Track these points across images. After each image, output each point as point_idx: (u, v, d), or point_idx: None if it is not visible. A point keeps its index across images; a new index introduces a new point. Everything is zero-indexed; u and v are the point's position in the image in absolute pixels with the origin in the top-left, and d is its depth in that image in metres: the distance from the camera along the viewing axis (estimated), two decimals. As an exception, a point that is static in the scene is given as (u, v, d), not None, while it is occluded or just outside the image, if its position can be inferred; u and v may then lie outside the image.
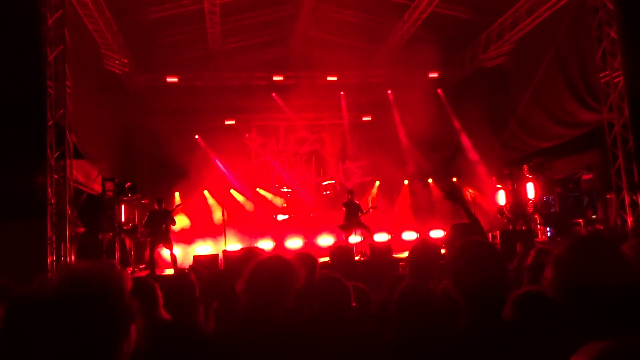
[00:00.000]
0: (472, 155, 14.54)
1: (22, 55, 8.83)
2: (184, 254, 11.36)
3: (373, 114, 17.21)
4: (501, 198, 12.30)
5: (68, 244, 8.86)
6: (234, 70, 14.86)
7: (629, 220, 9.11)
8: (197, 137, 15.77)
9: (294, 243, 12.68)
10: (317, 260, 3.55)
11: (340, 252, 9.96)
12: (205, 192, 15.00)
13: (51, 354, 1.14)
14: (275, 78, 15.14)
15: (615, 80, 9.27)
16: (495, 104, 13.77)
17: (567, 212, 11.98)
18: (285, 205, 15.02)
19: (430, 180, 15.74)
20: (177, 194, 14.24)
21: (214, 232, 12.56)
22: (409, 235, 13.34)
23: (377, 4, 12.27)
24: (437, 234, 13.01)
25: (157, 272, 9.47)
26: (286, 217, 14.23)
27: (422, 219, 14.18)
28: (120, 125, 12.85)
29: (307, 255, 3.59)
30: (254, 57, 15.00)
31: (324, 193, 15.78)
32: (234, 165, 15.89)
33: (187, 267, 8.34)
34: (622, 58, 9.08)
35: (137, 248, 11.83)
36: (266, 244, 12.31)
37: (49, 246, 8.70)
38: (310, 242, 12.78)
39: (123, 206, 11.74)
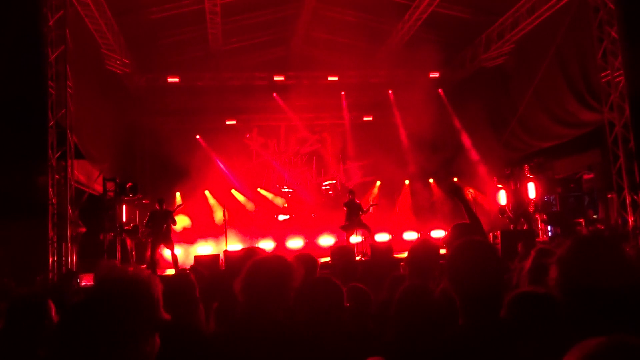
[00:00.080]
0: (473, 155, 14.54)
1: (24, 56, 8.86)
2: (186, 254, 11.37)
3: (374, 114, 17.20)
4: (502, 198, 12.29)
5: (69, 244, 8.88)
6: (235, 70, 14.87)
7: (630, 220, 9.10)
8: (198, 137, 15.78)
9: (295, 243, 12.69)
10: (317, 261, 3.55)
11: (341, 252, 9.96)
12: (206, 193, 15.01)
13: (87, 350, 1.24)
14: (276, 78, 15.14)
15: (616, 79, 9.27)
16: (496, 103, 13.77)
17: (568, 212, 11.96)
18: (286, 205, 15.03)
19: (431, 180, 15.73)
20: (178, 194, 14.25)
21: (215, 232, 12.57)
22: (410, 236, 13.34)
23: (378, 4, 12.27)
24: (438, 234, 13.01)
25: (159, 272, 9.48)
26: (287, 217, 14.24)
27: (422, 219, 14.18)
28: (121, 126, 12.87)
29: (307, 256, 3.60)
30: (254, 57, 15.01)
31: (324, 189, 15.78)
32: (235, 165, 15.90)
33: (188, 267, 8.35)
34: (623, 57, 9.08)
35: (138, 248, 11.84)
36: (267, 244, 12.32)
37: (50, 246, 8.72)
38: (311, 242, 12.78)
39: (124, 206, 11.75)
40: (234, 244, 11.51)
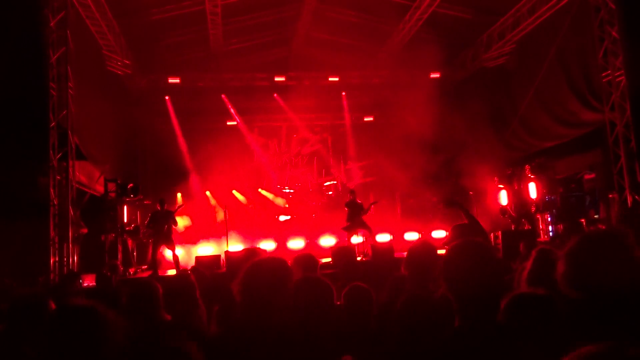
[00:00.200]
0: (474, 155, 14.51)
1: (25, 57, 8.87)
2: (187, 254, 11.37)
3: (375, 114, 17.20)
4: (503, 198, 12.27)
5: (70, 245, 8.89)
6: (236, 71, 14.88)
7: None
8: (199, 137, 15.79)
9: (296, 244, 12.69)
10: (318, 261, 3.56)
11: (342, 252, 9.91)
12: (207, 193, 15.02)
13: None
14: (277, 79, 15.15)
15: (617, 79, 9.26)
16: (497, 104, 13.76)
17: (569, 212, 11.94)
18: (287, 206, 15.03)
19: (432, 181, 15.71)
20: (179, 195, 14.27)
21: (217, 232, 12.58)
22: (411, 236, 13.32)
23: (379, 5, 12.26)
24: (439, 234, 13.00)
25: (160, 273, 9.48)
26: (288, 217, 14.23)
27: (423, 219, 14.16)
28: (122, 126, 12.88)
29: (308, 256, 3.60)
30: (255, 58, 15.02)
31: (325, 189, 15.77)
32: (236, 166, 15.90)
33: (189, 267, 8.35)
34: (624, 57, 9.07)
35: (139, 249, 11.84)
36: (268, 245, 12.32)
37: (51, 247, 8.74)
38: (312, 243, 12.78)
39: (125, 207, 11.75)
40: (235, 245, 11.51)
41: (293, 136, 17.06)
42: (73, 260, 8.98)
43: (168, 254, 10.32)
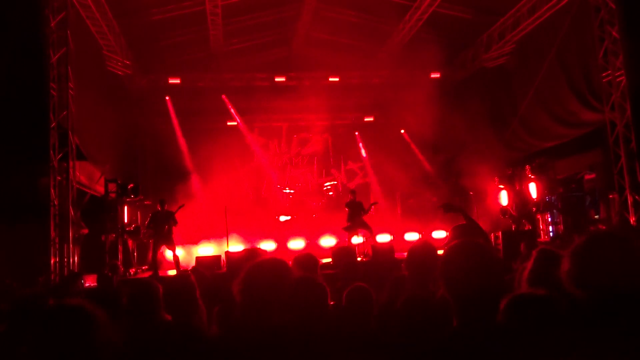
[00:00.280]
0: (474, 155, 14.51)
1: (25, 58, 8.89)
2: (187, 255, 11.38)
3: (375, 114, 17.20)
4: (503, 198, 12.28)
5: (71, 245, 8.90)
6: (236, 71, 14.88)
7: (631, 220, 9.08)
8: (199, 137, 15.78)
9: (296, 244, 12.69)
10: (318, 261, 3.56)
11: (342, 253, 9.92)
12: (208, 194, 14.99)
13: None
14: (277, 79, 15.15)
15: (618, 79, 9.25)
16: (497, 104, 13.75)
17: (570, 212, 11.94)
18: (287, 206, 15.02)
19: (432, 181, 15.71)
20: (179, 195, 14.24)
21: (217, 233, 12.58)
22: (411, 236, 13.33)
23: (379, 5, 12.27)
24: (439, 235, 13.00)
25: (160, 273, 9.49)
26: (288, 218, 14.23)
27: (424, 219, 14.17)
28: (122, 127, 12.88)
29: (308, 256, 3.60)
30: (255, 58, 15.02)
31: (325, 189, 15.76)
32: (236, 166, 15.90)
33: (190, 268, 8.36)
34: (624, 57, 9.06)
35: (139, 249, 11.85)
36: (268, 245, 12.33)
37: (52, 247, 8.75)
38: (312, 243, 12.78)
39: (126, 207, 11.76)
40: (236, 245, 11.52)
41: (293, 136, 17.07)
42: (73, 260, 8.98)
43: (168, 254, 10.33)
